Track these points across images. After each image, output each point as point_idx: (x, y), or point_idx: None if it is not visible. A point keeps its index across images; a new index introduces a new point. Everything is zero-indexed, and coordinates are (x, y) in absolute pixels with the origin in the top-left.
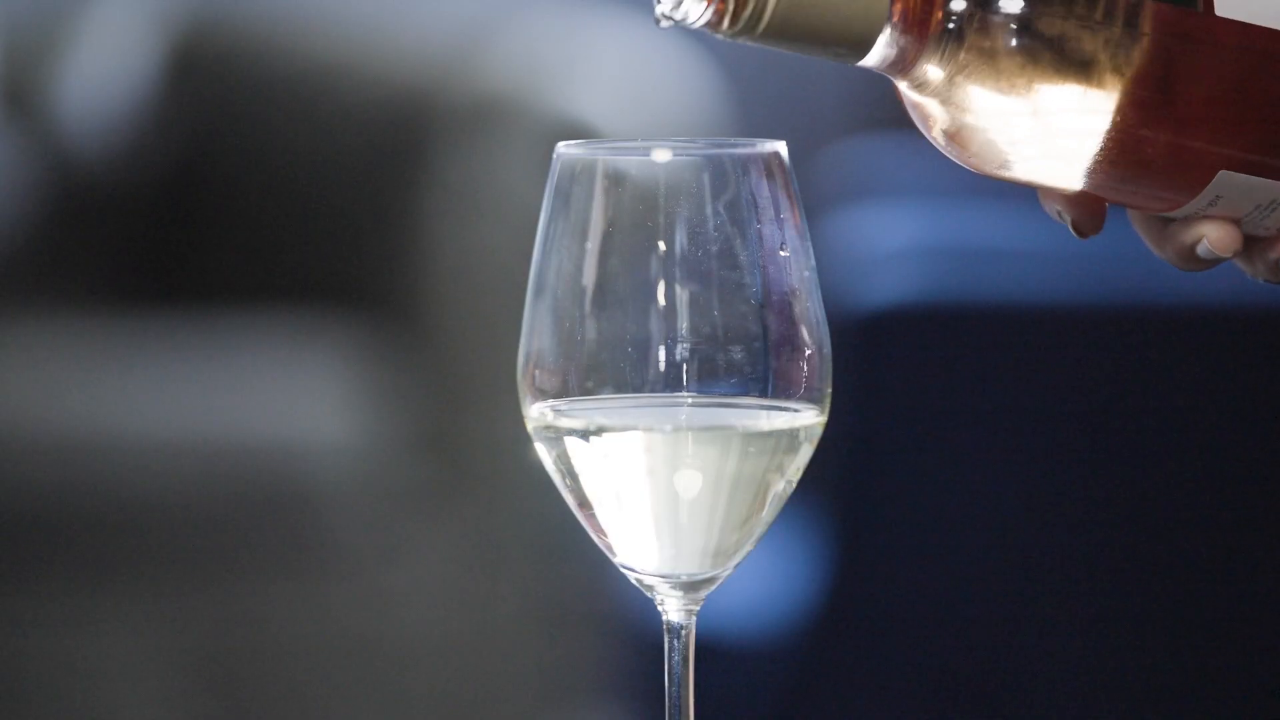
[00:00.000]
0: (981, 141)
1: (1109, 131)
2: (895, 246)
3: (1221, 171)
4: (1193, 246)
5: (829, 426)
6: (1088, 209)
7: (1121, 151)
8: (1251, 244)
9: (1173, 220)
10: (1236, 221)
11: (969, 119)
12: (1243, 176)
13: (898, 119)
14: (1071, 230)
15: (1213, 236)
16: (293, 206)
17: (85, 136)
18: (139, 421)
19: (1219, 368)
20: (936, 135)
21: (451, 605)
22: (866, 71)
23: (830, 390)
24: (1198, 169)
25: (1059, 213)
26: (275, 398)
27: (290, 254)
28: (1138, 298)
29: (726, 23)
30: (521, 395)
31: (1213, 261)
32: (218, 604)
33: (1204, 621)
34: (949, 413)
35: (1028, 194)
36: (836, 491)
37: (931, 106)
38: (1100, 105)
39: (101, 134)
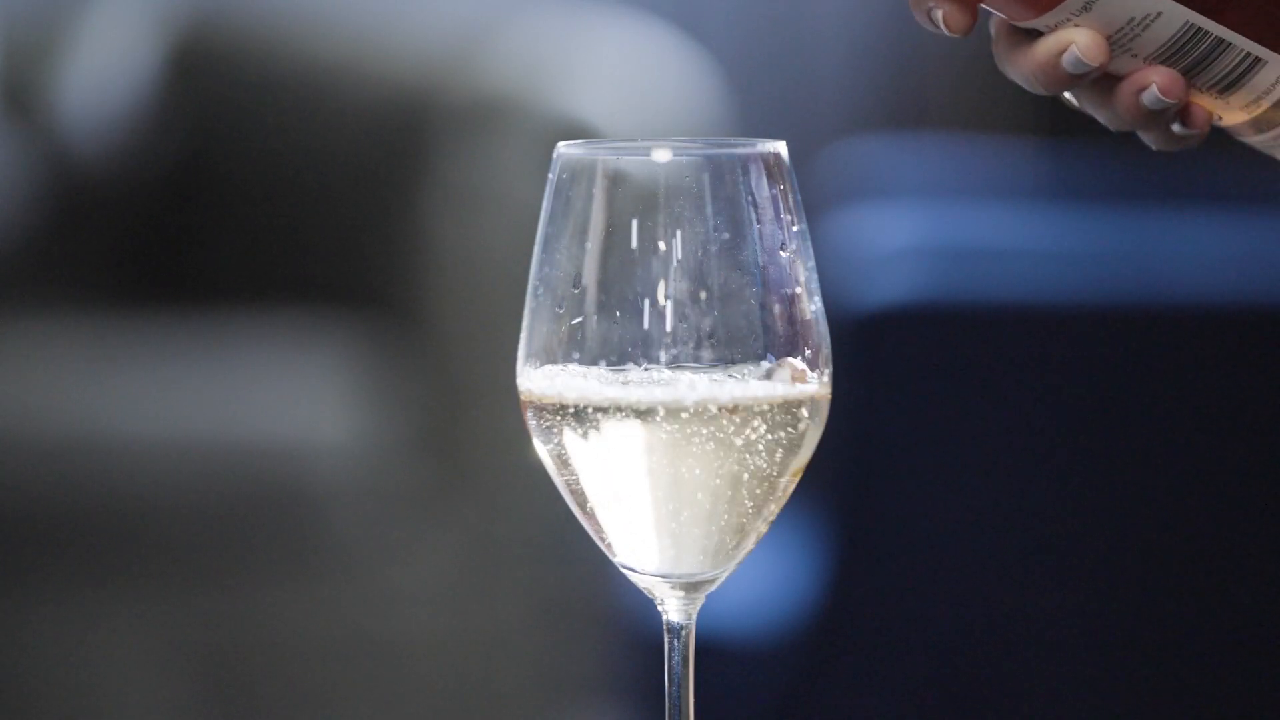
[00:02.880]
0: None
1: None
2: (895, 246)
3: None
4: (1058, 57)
5: (829, 426)
6: (959, 2)
7: None
8: (1111, 85)
9: (1039, 36)
10: (1107, 38)
11: None
12: None
13: (898, 119)
14: (943, 27)
15: (1082, 43)
16: (293, 206)
17: (85, 136)
18: (139, 421)
19: (1219, 368)
20: None
21: (451, 605)
22: (866, 72)
23: (830, 390)
24: None
25: (928, 11)
26: (275, 398)
27: (290, 254)
28: (1138, 298)
29: None
30: (521, 393)
31: (1074, 78)
32: (218, 604)
33: (1205, 618)
34: (949, 413)
35: (1028, 194)
36: (837, 491)
37: None
38: None
39: (101, 134)
